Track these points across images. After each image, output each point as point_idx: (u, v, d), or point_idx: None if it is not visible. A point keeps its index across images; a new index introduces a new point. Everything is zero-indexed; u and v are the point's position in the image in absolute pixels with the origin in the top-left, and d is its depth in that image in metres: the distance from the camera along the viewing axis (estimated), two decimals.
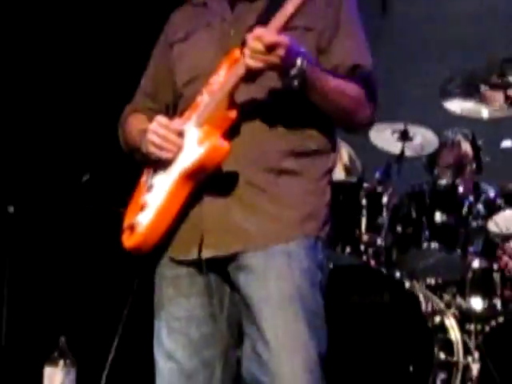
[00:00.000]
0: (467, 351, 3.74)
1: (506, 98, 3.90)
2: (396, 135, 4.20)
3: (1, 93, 5.20)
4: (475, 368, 3.70)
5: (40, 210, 4.84)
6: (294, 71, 1.94)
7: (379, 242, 3.98)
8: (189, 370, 2.17)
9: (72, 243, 4.89)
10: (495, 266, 3.95)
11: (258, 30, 1.95)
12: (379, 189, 4.08)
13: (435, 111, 4.42)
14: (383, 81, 4.54)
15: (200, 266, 2.14)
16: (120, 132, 2.45)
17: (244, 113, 2.13)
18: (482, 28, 5.27)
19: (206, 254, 2.08)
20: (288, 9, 1.99)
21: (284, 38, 1.93)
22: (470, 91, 4.12)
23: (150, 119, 2.29)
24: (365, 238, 4.00)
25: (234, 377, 2.19)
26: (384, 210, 4.00)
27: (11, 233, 4.48)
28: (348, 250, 4.06)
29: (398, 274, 3.87)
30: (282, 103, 2.14)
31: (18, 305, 4.46)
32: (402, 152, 4.20)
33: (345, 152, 4.44)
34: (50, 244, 5.03)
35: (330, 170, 2.28)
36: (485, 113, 4.15)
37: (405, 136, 4.17)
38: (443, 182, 4.18)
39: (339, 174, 4.39)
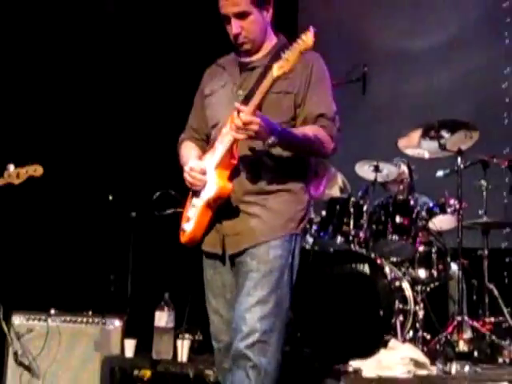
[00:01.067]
0: (416, 303, 4.47)
1: (440, 146, 4.50)
2: (371, 168, 4.93)
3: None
4: (421, 314, 4.47)
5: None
6: (270, 140, 2.42)
7: (361, 234, 4.67)
8: (227, 319, 2.66)
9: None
10: (433, 250, 4.68)
11: (240, 110, 2.41)
12: (361, 202, 4.77)
13: (395, 153, 5.09)
14: (364, 135, 5.56)
15: (222, 257, 2.69)
16: (177, 152, 2.96)
17: (242, 159, 2.61)
18: (429, 100, 5.98)
19: (229, 251, 2.64)
20: (264, 86, 2.43)
21: (255, 118, 2.36)
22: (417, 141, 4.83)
23: (196, 144, 2.90)
24: (352, 232, 4.69)
25: None
26: (364, 215, 4.70)
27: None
28: (342, 239, 4.70)
29: (372, 255, 4.50)
30: (266, 154, 2.61)
31: (139, 271, 5.12)
32: (375, 179, 4.94)
33: (340, 179, 5.12)
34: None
35: (304, 188, 2.74)
36: (426, 154, 4.71)
37: (377, 169, 4.91)
38: (400, 197, 4.91)
39: (336, 193, 5.10)
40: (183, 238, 2.76)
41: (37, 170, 4.16)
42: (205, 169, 2.63)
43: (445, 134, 4.55)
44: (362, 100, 4.95)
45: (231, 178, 2.58)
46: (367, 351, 4.02)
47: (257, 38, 2.68)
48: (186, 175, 2.65)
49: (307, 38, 2.31)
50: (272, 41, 2.76)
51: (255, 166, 2.60)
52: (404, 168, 5.14)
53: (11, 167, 4.14)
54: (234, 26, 2.60)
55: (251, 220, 2.61)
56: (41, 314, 4.48)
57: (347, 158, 5.23)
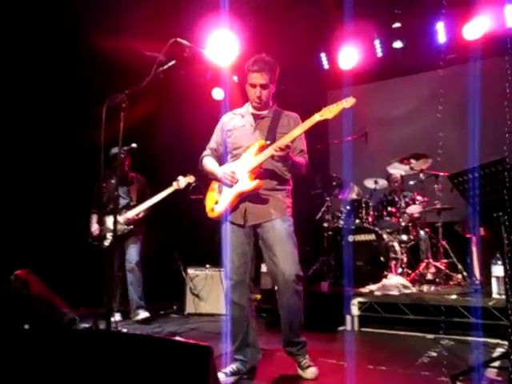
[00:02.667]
0: (402, 253, 5.21)
1: (410, 168, 5.28)
2: (373, 182, 5.74)
3: None
4: (405, 259, 5.18)
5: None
6: (288, 163, 2.76)
7: (369, 218, 5.38)
8: (238, 265, 2.84)
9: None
10: (409, 224, 5.32)
11: (283, 140, 2.67)
12: (368, 200, 5.52)
13: (386, 172, 5.72)
14: (368, 163, 6.10)
15: (242, 226, 2.83)
16: (200, 164, 3.09)
17: (264, 169, 2.83)
18: (402, 144, 6.47)
19: (250, 222, 2.82)
20: (304, 126, 2.69)
21: (290, 145, 2.67)
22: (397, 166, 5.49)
23: (213, 158, 3.05)
24: (364, 217, 5.39)
25: (253, 271, 2.94)
26: (370, 207, 5.45)
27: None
28: (359, 221, 5.38)
29: (376, 228, 5.18)
30: (276, 167, 2.85)
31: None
32: (375, 188, 5.72)
33: (356, 188, 5.78)
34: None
35: (291, 192, 2.96)
36: (402, 172, 5.50)
37: (376, 182, 5.69)
38: (390, 197, 5.53)
39: (354, 196, 5.67)
40: (212, 214, 2.92)
41: (191, 178, 4.68)
42: (235, 171, 2.82)
43: (413, 161, 5.31)
44: (365, 145, 5.56)
45: (256, 179, 2.80)
46: (376, 280, 4.81)
47: (268, 101, 2.93)
48: (222, 175, 2.85)
49: (350, 102, 2.58)
50: (272, 104, 3.00)
51: (271, 175, 2.84)
52: (398, 176, 5.63)
53: (180, 177, 4.66)
54: (258, 92, 2.84)
55: (267, 205, 2.82)
56: (201, 267, 5.40)
57: (359, 177, 5.91)
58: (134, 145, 4.69)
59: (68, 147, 5.37)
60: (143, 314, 4.81)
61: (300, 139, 2.86)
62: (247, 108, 3.01)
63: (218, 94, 6.67)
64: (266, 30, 5.33)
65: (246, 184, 2.77)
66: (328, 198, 5.73)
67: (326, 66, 6.99)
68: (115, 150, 4.57)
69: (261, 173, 2.80)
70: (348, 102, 2.56)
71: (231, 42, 5.31)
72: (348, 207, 5.51)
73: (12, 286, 3.53)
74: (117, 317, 4.84)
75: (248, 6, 5.08)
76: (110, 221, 4.76)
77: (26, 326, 3.25)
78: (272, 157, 2.72)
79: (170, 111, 6.22)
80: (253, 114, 2.95)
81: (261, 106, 2.91)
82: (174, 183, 4.66)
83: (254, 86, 2.84)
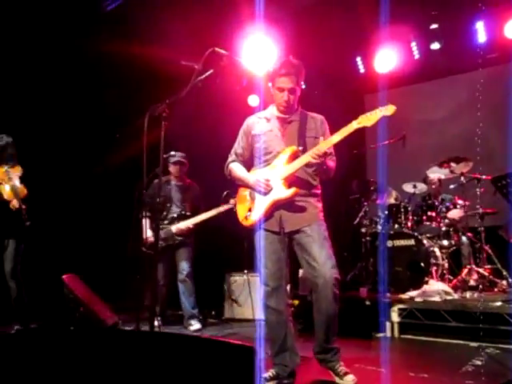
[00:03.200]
0: (443, 259, 5.10)
1: (450, 172, 5.19)
2: (411, 186, 5.66)
3: None
4: (446, 265, 5.08)
5: None
6: (323, 167, 2.74)
7: (408, 223, 5.30)
8: (274, 272, 2.82)
9: None
10: (450, 229, 5.20)
11: (319, 147, 2.66)
12: (407, 205, 5.45)
13: (424, 176, 5.65)
14: (406, 168, 5.91)
15: (279, 234, 2.81)
16: (227, 170, 3.05)
17: (297, 177, 2.82)
18: (442, 146, 6.30)
19: (287, 229, 2.81)
20: (343, 132, 2.65)
21: (327, 151, 2.69)
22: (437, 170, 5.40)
23: (239, 163, 3.00)
24: (403, 222, 5.32)
25: (288, 275, 2.93)
26: (409, 212, 5.39)
27: None
28: (397, 226, 5.32)
29: (416, 234, 5.10)
30: (308, 173, 2.85)
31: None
32: (414, 192, 5.65)
33: (394, 193, 5.70)
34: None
35: (321, 195, 2.93)
36: (442, 176, 5.40)
37: (415, 186, 5.61)
38: (430, 201, 5.44)
39: (392, 201, 5.60)
40: (246, 223, 2.90)
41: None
42: (269, 179, 2.82)
43: (453, 164, 5.16)
44: (403, 149, 5.32)
45: (290, 186, 2.80)
46: (416, 286, 4.71)
47: (295, 104, 2.91)
48: (256, 183, 2.83)
49: (390, 109, 2.55)
50: (297, 105, 2.96)
51: (303, 181, 2.84)
52: (435, 178, 5.52)
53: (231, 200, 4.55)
54: (286, 96, 2.82)
55: (302, 211, 2.81)
56: (240, 272, 5.43)
57: (398, 181, 5.83)
58: (173, 153, 4.78)
59: (113, 156, 5.48)
60: (196, 326, 4.83)
61: (328, 142, 2.80)
62: (272, 111, 2.98)
63: (253, 100, 6.71)
64: (302, 35, 5.32)
65: (283, 192, 2.77)
66: (365, 203, 5.67)
67: (361, 69, 6.95)
68: (177, 157, 4.69)
69: (294, 180, 2.80)
70: (388, 110, 2.54)
71: (267, 49, 5.31)
72: (386, 212, 5.46)
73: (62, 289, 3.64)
74: (157, 323, 4.84)
75: (283, 12, 5.10)
76: (163, 230, 4.80)
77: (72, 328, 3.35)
78: (307, 164, 2.72)
79: (206, 119, 6.27)
80: (279, 118, 2.93)
81: (288, 109, 2.89)
82: (232, 200, 4.53)
83: (281, 89, 2.83)
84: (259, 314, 4.34)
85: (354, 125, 2.61)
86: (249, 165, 3.00)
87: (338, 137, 2.66)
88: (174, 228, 4.87)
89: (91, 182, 5.59)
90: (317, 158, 2.64)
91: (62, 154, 5.38)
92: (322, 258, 2.68)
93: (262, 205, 2.81)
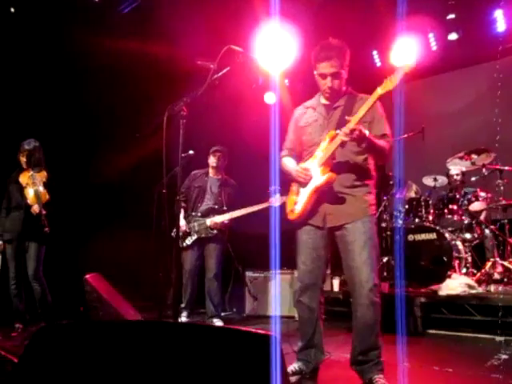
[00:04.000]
0: (465, 253, 5.08)
1: (472, 164, 5.17)
2: (432, 179, 5.63)
3: None
4: (469, 258, 5.08)
5: None
6: (363, 141, 2.48)
7: (430, 217, 5.27)
8: (311, 269, 2.72)
9: None
10: (473, 221, 5.17)
11: (348, 120, 2.48)
12: (428, 198, 5.43)
13: (445, 169, 5.61)
14: (426, 160, 5.87)
15: (321, 228, 2.69)
16: (281, 165, 2.95)
17: (339, 165, 2.65)
18: (462, 138, 6.22)
19: (329, 224, 2.68)
20: (368, 103, 2.50)
21: (358, 126, 2.44)
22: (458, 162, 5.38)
23: (291, 157, 2.91)
24: (424, 216, 5.29)
25: (326, 273, 2.84)
26: (430, 206, 5.35)
27: None
28: (418, 220, 5.30)
29: (437, 227, 5.06)
30: (352, 158, 2.67)
31: None
32: (435, 186, 5.62)
33: (414, 186, 5.70)
34: None
35: (374, 186, 2.74)
36: (463, 168, 5.37)
37: (435, 179, 5.58)
38: (451, 194, 5.38)
39: (413, 195, 5.57)
40: (292, 216, 2.78)
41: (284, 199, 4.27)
42: (308, 168, 2.71)
43: (474, 156, 5.19)
44: (422, 142, 5.42)
45: (331, 172, 2.64)
46: (439, 280, 4.70)
47: (340, 89, 2.74)
48: (297, 175, 2.73)
49: (406, 66, 2.45)
50: (345, 90, 2.78)
51: (348, 170, 2.67)
52: (458, 173, 5.44)
53: (278, 195, 4.32)
54: (329, 82, 2.66)
55: (346, 205, 2.65)
56: (260, 270, 5.47)
57: (418, 175, 5.80)
58: (191, 152, 4.82)
59: (134, 155, 5.53)
60: (217, 324, 4.81)
61: (378, 122, 2.68)
62: (319, 99, 2.84)
63: (270, 98, 6.63)
64: (317, 30, 5.23)
65: (319, 179, 2.63)
66: (385, 198, 5.64)
67: (378, 63, 6.92)
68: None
69: (335, 166, 2.64)
70: (405, 67, 2.43)
71: (282, 45, 5.15)
72: (406, 206, 5.43)
73: (84, 288, 3.72)
74: (183, 317, 4.89)
75: (299, 8, 5.07)
76: (197, 222, 4.81)
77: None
78: (342, 145, 2.55)
79: (222, 117, 6.28)
80: (324, 106, 2.78)
81: (334, 95, 2.72)
82: (271, 199, 4.46)
83: (324, 76, 2.66)
84: (281, 311, 4.86)
85: (379, 91, 2.47)
86: (302, 158, 2.89)
87: (364, 109, 2.50)
88: (209, 221, 4.81)
89: (114, 181, 5.63)
90: (346, 135, 2.46)
91: (82, 154, 5.47)
92: (360, 262, 2.56)
93: (303, 196, 2.71)
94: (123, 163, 5.64)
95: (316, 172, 2.67)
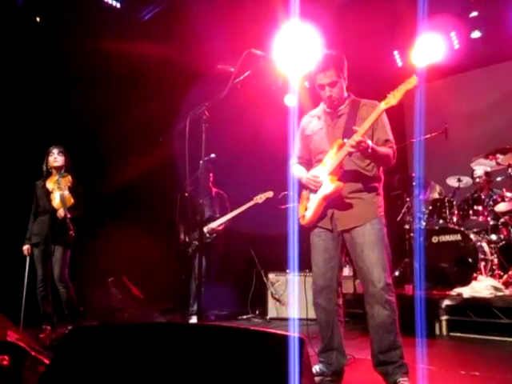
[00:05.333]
0: (491, 254, 4.98)
1: (497, 163, 5.07)
2: (456, 180, 5.57)
3: None
4: (495, 260, 4.95)
5: None
6: (368, 152, 2.55)
7: (454, 218, 5.20)
8: (325, 271, 2.76)
9: None
10: (499, 222, 5.05)
11: (354, 136, 2.54)
12: (452, 199, 5.37)
13: (469, 170, 5.48)
14: (450, 161, 5.88)
15: (332, 231, 2.77)
16: (291, 171, 3.04)
17: (347, 172, 2.73)
18: (486, 137, 6.11)
19: (339, 228, 2.75)
20: (372, 117, 2.57)
21: (363, 139, 2.51)
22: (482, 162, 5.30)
23: (301, 165, 2.99)
24: (448, 217, 5.22)
25: (341, 275, 2.86)
26: (454, 207, 5.28)
27: None
28: (442, 221, 5.24)
29: (462, 229, 5.01)
30: (360, 166, 2.75)
31: None
32: (459, 186, 5.55)
33: (438, 187, 5.66)
34: None
35: (381, 189, 2.80)
36: (488, 169, 5.27)
37: (459, 180, 5.52)
38: (476, 195, 5.28)
39: (436, 196, 5.52)
40: (304, 222, 2.86)
41: (270, 194, 4.93)
42: (318, 175, 2.79)
43: (499, 155, 5.07)
44: (446, 142, 5.41)
45: (339, 180, 2.72)
46: (464, 283, 4.62)
47: (341, 97, 2.82)
48: (307, 182, 2.82)
49: (412, 82, 2.45)
50: (347, 97, 2.87)
51: (356, 176, 2.75)
52: (482, 175, 5.31)
53: (260, 193, 4.91)
54: (328, 91, 2.76)
55: (354, 209, 2.71)
56: (282, 272, 5.47)
57: (441, 175, 5.75)
58: (212, 155, 4.86)
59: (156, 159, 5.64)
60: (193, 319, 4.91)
61: (382, 129, 2.76)
62: (322, 108, 2.94)
63: (290, 100, 6.64)
64: (338, 31, 5.28)
65: (328, 187, 2.71)
66: (408, 199, 5.57)
67: (399, 63, 6.86)
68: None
69: (343, 174, 2.73)
70: (410, 83, 2.45)
71: (303, 47, 5.30)
72: (430, 207, 5.37)
73: (108, 291, 3.77)
74: (193, 320, 4.87)
75: (319, 9, 5.07)
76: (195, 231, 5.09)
77: None
78: (349, 155, 2.64)
79: (243, 120, 6.30)
80: (328, 114, 2.88)
81: (335, 103, 2.83)
82: (255, 198, 4.96)
83: (322, 87, 2.78)
84: (303, 313, 4.61)
85: (382, 106, 2.54)
86: (311, 165, 2.98)
87: (368, 123, 2.58)
88: (206, 228, 5.18)
89: (138, 185, 5.71)
90: (354, 147, 2.53)
91: (107, 157, 5.57)
92: (370, 263, 2.60)
93: (314, 202, 2.79)
94: (147, 166, 5.70)
95: (325, 180, 2.74)
